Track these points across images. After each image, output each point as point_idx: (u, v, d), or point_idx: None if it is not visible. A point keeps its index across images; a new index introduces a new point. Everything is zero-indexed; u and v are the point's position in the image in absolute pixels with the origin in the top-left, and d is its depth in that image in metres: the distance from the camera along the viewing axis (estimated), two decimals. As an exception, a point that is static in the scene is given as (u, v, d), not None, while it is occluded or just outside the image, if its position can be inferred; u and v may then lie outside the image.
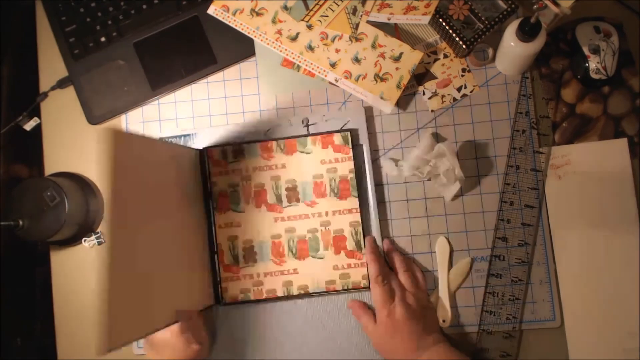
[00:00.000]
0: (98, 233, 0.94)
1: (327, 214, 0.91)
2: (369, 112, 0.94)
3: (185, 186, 0.89)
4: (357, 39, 0.94)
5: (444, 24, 0.91)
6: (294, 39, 0.95)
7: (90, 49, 0.99)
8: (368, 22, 0.94)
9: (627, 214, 0.89)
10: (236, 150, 0.92)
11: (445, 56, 0.95)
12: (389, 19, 0.94)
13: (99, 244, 0.94)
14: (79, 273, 0.95)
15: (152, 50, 0.98)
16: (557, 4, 0.86)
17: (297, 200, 0.91)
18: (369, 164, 0.92)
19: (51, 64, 1.00)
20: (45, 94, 0.99)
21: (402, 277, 0.88)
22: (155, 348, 0.85)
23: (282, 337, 0.91)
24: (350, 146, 0.91)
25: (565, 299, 0.88)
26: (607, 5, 0.94)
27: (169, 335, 0.83)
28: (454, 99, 0.94)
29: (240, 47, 0.97)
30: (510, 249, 0.90)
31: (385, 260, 0.90)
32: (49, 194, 0.88)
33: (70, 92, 0.99)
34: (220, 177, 0.92)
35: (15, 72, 1.02)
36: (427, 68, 0.95)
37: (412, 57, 0.92)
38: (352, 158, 0.91)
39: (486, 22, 0.90)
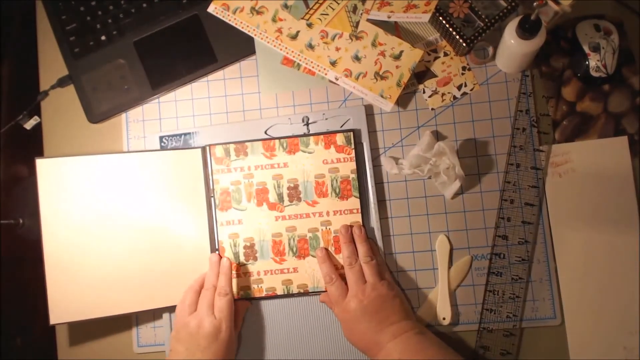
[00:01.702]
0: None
1: (328, 213, 0.91)
2: (369, 111, 0.95)
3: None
4: (357, 37, 0.94)
5: (444, 22, 0.91)
6: (294, 37, 0.95)
7: (91, 48, 0.99)
8: (368, 20, 0.94)
9: (627, 211, 0.89)
10: (238, 148, 0.92)
11: (446, 54, 0.95)
12: (389, 17, 0.94)
13: None
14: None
15: (152, 49, 0.98)
16: (557, 2, 0.86)
17: (299, 199, 0.91)
18: (370, 162, 0.92)
19: (51, 62, 1.00)
20: (46, 93, 0.99)
21: (363, 267, 0.87)
22: (181, 337, 0.86)
23: (281, 336, 0.91)
24: (353, 147, 0.91)
25: (565, 297, 0.88)
26: (607, 3, 0.94)
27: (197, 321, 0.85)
28: (454, 97, 0.94)
29: (241, 46, 0.97)
30: (511, 247, 0.90)
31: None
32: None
33: (70, 91, 0.99)
34: (222, 174, 0.92)
35: (16, 71, 1.02)
36: (427, 66, 0.95)
37: (413, 56, 0.92)
38: (354, 158, 0.91)
39: (486, 20, 0.90)
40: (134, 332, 0.93)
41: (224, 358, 0.85)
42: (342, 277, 0.88)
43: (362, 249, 0.88)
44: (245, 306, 0.91)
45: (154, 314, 0.93)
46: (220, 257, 0.91)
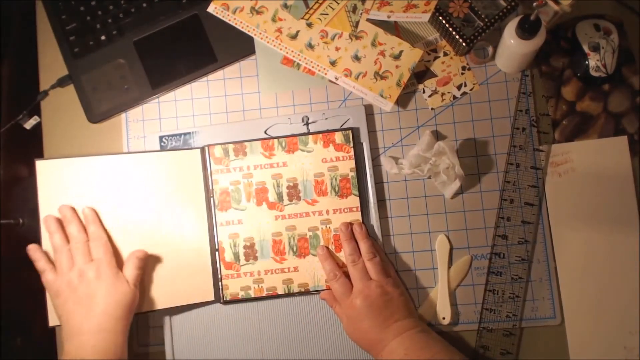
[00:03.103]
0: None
1: (327, 212, 0.91)
2: (369, 110, 0.95)
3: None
4: (357, 37, 0.94)
5: (444, 21, 0.91)
6: (294, 37, 0.95)
7: (91, 48, 0.99)
8: (368, 20, 0.94)
9: (627, 211, 0.89)
10: (237, 148, 0.92)
11: (445, 54, 0.95)
12: (389, 17, 0.94)
13: None
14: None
15: (152, 49, 0.99)
16: (557, 2, 0.86)
17: (298, 198, 0.91)
18: (369, 162, 0.92)
19: (51, 62, 1.00)
20: (46, 93, 0.99)
21: (367, 265, 0.87)
22: (67, 297, 0.83)
23: (283, 335, 0.91)
24: (352, 145, 0.91)
25: (565, 297, 0.88)
26: (607, 3, 0.94)
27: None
28: (454, 97, 0.94)
29: (241, 46, 0.97)
30: (510, 247, 0.90)
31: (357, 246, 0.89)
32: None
33: (70, 91, 0.99)
34: (221, 174, 0.92)
35: (16, 71, 1.02)
36: (427, 66, 0.95)
37: (412, 55, 0.92)
38: (353, 157, 0.91)
39: (486, 19, 0.90)
40: (133, 332, 0.93)
41: (116, 297, 0.83)
42: (345, 275, 0.88)
43: (364, 246, 0.88)
44: (136, 253, 0.87)
45: (153, 315, 0.93)
46: (72, 208, 0.88)
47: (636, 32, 0.93)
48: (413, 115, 0.95)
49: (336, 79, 0.93)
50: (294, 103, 0.96)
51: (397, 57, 0.93)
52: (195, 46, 0.98)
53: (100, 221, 0.89)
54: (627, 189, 0.90)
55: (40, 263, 0.86)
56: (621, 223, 0.89)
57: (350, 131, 0.91)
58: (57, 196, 0.89)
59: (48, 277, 0.85)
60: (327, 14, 0.95)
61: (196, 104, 0.98)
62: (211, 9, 0.97)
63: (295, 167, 0.91)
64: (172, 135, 0.96)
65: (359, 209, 0.90)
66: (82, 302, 0.83)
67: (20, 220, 0.93)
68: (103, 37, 0.99)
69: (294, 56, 0.95)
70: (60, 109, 0.99)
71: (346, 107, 0.95)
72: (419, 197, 0.93)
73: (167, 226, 0.91)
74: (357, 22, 0.94)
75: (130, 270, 0.86)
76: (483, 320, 0.89)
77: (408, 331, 0.82)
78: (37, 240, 0.88)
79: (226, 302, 0.91)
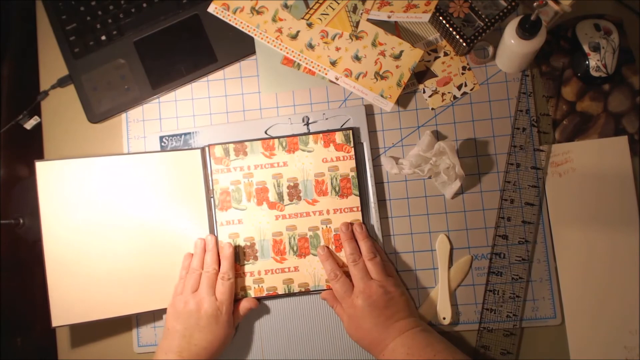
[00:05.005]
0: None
1: (328, 212, 0.91)
2: (369, 110, 0.95)
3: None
4: (357, 37, 0.94)
5: (444, 21, 0.91)
6: (294, 37, 0.95)
7: (91, 48, 0.99)
8: (368, 20, 0.94)
9: (627, 211, 0.89)
10: (238, 148, 0.92)
11: (446, 54, 0.95)
12: (389, 17, 0.94)
13: None
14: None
15: (152, 49, 0.99)
16: (557, 2, 0.86)
17: (299, 198, 0.91)
18: (370, 162, 0.92)
19: (51, 62, 1.00)
20: (46, 93, 0.99)
21: (368, 265, 0.87)
22: (180, 315, 0.86)
23: (283, 335, 0.91)
24: (352, 145, 0.91)
25: (565, 297, 0.88)
26: (607, 3, 0.94)
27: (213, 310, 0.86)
28: (455, 97, 0.94)
29: (241, 46, 0.97)
30: (511, 247, 0.90)
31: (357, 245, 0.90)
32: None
33: (70, 91, 0.99)
34: (221, 174, 0.92)
35: (16, 71, 1.02)
36: (427, 66, 0.95)
37: (413, 55, 0.92)
38: (353, 157, 0.91)
39: (486, 20, 0.90)
40: (134, 332, 0.93)
41: (220, 340, 0.86)
42: (346, 275, 0.88)
43: (364, 246, 0.88)
44: (250, 303, 0.90)
45: (154, 315, 0.93)
46: (216, 239, 0.91)
47: (636, 32, 0.93)
48: (413, 115, 0.95)
49: (336, 79, 0.93)
50: (295, 103, 0.96)
51: (397, 57, 0.93)
52: (195, 46, 0.98)
53: (233, 259, 0.91)
54: (627, 189, 0.90)
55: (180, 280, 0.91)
56: (621, 223, 0.89)
57: (350, 131, 0.91)
58: (57, 196, 0.89)
59: (177, 288, 0.89)
60: (327, 14, 0.95)
61: (196, 104, 0.98)
62: (211, 9, 0.97)
63: (295, 167, 0.91)
64: (173, 136, 0.96)
65: (360, 208, 0.91)
66: (189, 329, 0.85)
67: (20, 220, 0.93)
68: (103, 37, 0.99)
69: (294, 56, 0.95)
70: (60, 109, 0.99)
71: (346, 107, 0.95)
72: (419, 197, 0.93)
73: (167, 226, 0.91)
74: (358, 22, 0.95)
75: (238, 317, 0.89)
76: (483, 320, 0.89)
77: (409, 330, 0.83)
78: (38, 240, 0.88)
79: (226, 302, 0.91)
